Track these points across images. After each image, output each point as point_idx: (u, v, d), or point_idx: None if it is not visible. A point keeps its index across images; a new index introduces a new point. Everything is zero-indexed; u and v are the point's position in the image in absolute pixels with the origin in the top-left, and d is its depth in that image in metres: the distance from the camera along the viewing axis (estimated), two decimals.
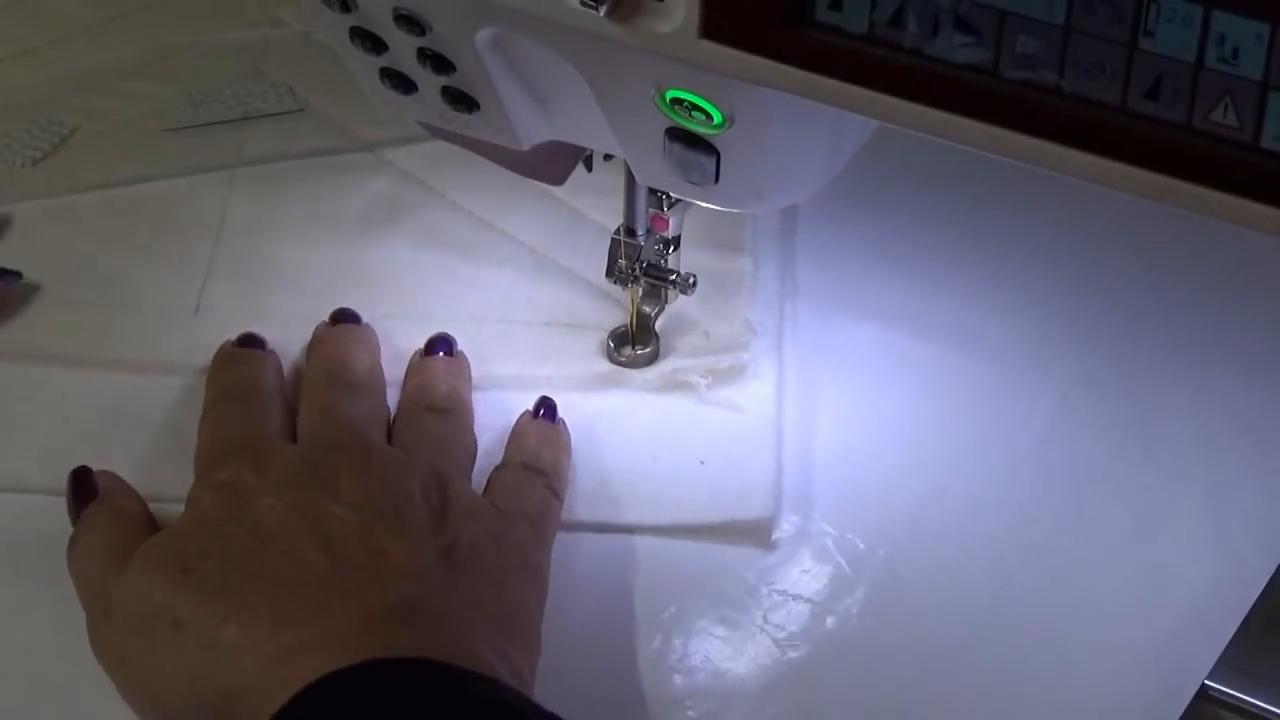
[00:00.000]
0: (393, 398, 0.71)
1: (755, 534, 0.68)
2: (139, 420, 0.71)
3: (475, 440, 0.70)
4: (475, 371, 0.73)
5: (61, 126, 0.85)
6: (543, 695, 0.58)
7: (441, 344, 0.73)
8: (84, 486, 0.66)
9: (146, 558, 0.61)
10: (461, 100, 0.65)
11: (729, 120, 0.58)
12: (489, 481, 0.67)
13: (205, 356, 0.73)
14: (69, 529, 0.65)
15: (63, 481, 0.65)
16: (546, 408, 0.70)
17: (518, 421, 0.70)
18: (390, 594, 0.58)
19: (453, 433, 0.69)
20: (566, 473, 0.69)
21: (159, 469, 0.69)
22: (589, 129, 0.64)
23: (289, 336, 0.74)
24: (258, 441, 0.66)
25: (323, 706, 0.54)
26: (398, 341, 0.74)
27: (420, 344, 0.73)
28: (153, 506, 0.67)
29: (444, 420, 0.69)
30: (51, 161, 0.83)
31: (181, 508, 0.66)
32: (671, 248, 0.72)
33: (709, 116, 0.59)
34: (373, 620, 0.57)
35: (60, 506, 0.66)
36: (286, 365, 0.73)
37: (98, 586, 0.62)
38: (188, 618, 0.58)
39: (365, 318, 0.75)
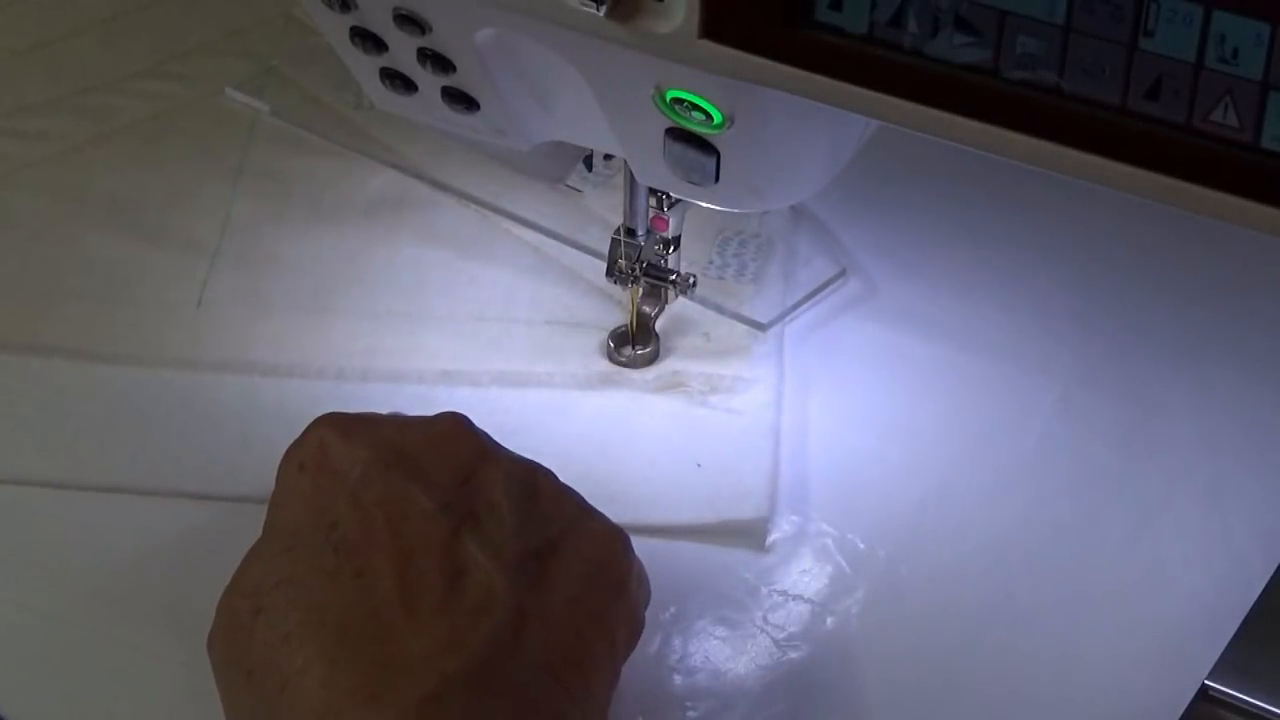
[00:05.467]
0: (393, 394, 0.71)
1: (750, 535, 0.68)
2: (140, 414, 0.71)
3: None
4: (475, 369, 0.73)
5: (70, 121, 0.85)
6: None
7: None
8: None
9: (231, 592, 0.58)
10: (461, 100, 0.65)
11: (729, 120, 0.58)
12: None
13: (207, 351, 0.73)
14: (69, 522, 0.65)
15: (62, 474, 0.65)
16: None
17: None
18: (454, 660, 0.54)
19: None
20: None
21: (160, 463, 0.69)
22: (589, 129, 0.64)
23: (291, 332, 0.74)
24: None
25: None
26: (398, 339, 0.74)
27: (420, 342, 0.73)
28: (155, 501, 0.67)
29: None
30: (59, 156, 0.83)
31: (182, 504, 0.66)
32: (671, 248, 0.72)
33: (709, 116, 0.59)
34: (427, 701, 0.53)
35: (59, 499, 0.65)
36: (287, 362, 0.73)
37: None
38: (257, 668, 0.55)
39: (366, 314, 0.74)
